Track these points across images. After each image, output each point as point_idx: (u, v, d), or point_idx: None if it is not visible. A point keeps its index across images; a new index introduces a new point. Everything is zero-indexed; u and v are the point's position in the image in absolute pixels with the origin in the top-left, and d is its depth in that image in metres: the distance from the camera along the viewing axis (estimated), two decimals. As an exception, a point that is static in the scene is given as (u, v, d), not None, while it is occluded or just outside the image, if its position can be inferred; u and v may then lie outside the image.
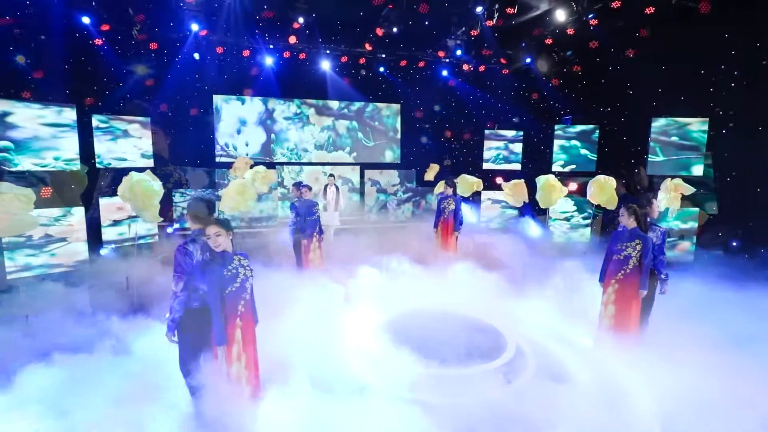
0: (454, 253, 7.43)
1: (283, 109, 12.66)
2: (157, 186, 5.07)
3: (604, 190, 7.24)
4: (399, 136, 13.60)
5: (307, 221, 6.65)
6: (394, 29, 8.58)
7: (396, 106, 13.45)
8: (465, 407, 3.40)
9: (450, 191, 7.44)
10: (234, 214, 9.56)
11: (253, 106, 12.43)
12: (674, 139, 7.68)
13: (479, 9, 7.83)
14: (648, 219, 4.42)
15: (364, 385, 3.60)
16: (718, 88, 7.98)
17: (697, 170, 7.69)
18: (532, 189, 8.54)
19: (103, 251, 7.97)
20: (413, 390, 3.59)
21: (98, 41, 9.60)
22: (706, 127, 7.65)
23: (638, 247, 4.34)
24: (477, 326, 4.62)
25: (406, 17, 8.54)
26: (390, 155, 13.56)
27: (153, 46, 10.02)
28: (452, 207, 7.39)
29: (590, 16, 7.69)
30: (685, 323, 4.65)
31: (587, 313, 5.01)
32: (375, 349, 4.17)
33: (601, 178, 7.31)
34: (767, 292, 6.03)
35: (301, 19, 8.69)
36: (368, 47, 10.53)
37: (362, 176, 12.52)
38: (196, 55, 10.37)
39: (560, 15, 8.91)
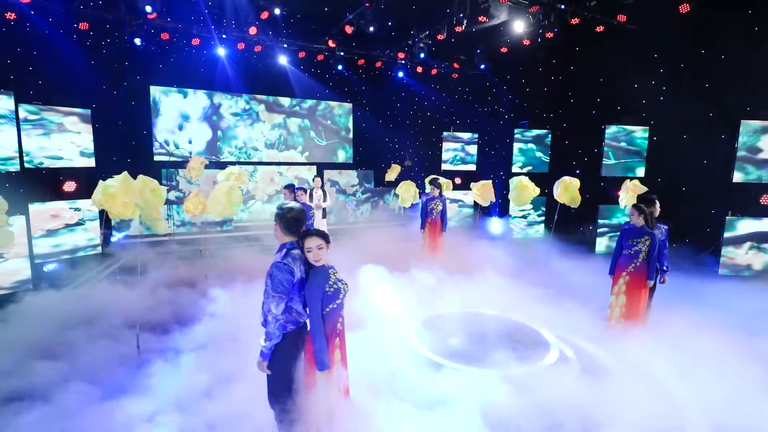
0: (441, 253, 7.60)
1: (230, 104, 11.76)
2: (163, 191, 4.42)
3: (568, 190, 7.90)
4: (351, 135, 13.45)
5: (305, 225, 6.29)
6: (371, 28, 8.44)
7: (348, 105, 13.27)
8: (528, 406, 3.50)
9: (437, 192, 7.57)
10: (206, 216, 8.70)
11: (197, 99, 11.36)
12: (623, 144, 8.70)
13: (461, 15, 8.05)
14: (653, 217, 4.99)
15: (437, 394, 3.54)
16: (651, 101, 9.23)
17: (640, 172, 8.79)
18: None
19: (48, 267, 6.73)
20: (480, 393, 3.61)
21: (10, 15, 8.07)
22: (647, 135, 8.78)
23: (647, 243, 4.87)
24: (510, 326, 4.81)
25: (380, 16, 8.46)
26: (342, 155, 13.35)
27: (83, 26, 8.66)
28: (440, 208, 7.54)
29: (555, 30, 8.35)
30: (669, 308, 5.37)
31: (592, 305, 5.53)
32: (428, 353, 4.12)
33: (566, 179, 7.96)
34: (708, 279, 7.18)
35: (277, 11, 8.14)
36: (331, 44, 10.24)
37: (320, 177, 12.16)
38: (138, 41, 9.17)
39: (518, 26, 9.54)
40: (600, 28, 8.71)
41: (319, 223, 7.65)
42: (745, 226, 7.23)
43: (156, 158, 10.84)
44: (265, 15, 8.41)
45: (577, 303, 5.45)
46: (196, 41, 9.75)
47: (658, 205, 5.12)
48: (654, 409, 3.39)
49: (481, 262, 6.57)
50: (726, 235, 7.29)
